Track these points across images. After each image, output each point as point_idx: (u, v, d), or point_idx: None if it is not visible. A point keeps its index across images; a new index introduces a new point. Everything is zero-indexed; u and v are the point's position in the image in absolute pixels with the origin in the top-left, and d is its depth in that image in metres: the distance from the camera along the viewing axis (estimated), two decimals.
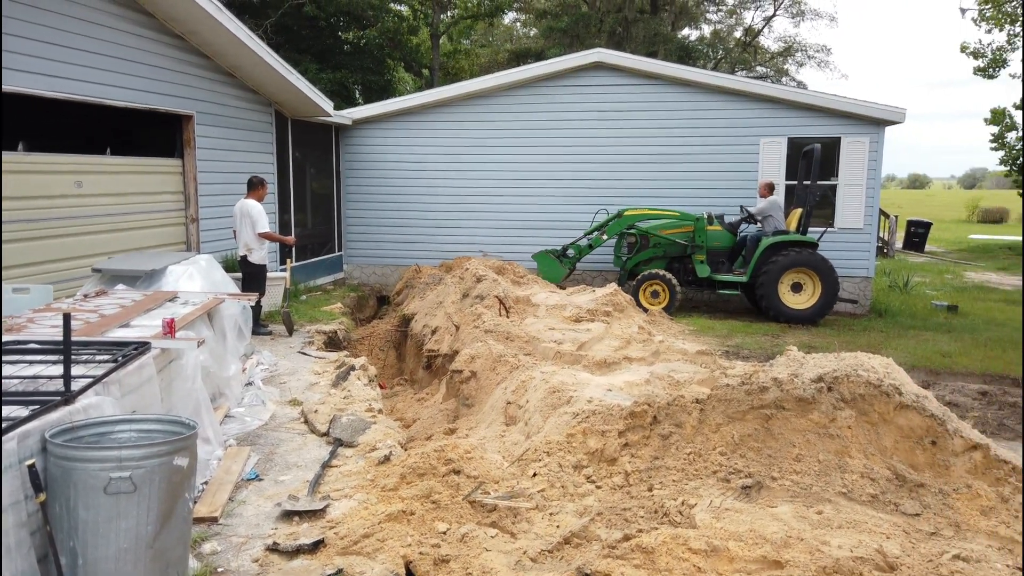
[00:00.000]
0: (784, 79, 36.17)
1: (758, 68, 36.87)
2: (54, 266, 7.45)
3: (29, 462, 3.00)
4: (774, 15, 35.34)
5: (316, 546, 3.81)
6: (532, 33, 37.24)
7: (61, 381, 3.67)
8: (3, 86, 6.71)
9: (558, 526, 4.27)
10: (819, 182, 11.78)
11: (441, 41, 28.65)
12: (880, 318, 12.16)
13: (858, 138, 12.76)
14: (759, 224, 11.87)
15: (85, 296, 5.88)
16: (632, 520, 4.30)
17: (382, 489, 4.49)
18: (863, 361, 4.90)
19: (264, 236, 8.81)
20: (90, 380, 3.71)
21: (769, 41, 38.77)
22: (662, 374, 6.61)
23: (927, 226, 25.48)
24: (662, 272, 11.59)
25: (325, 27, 25.76)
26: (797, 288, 11.46)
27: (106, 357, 4.20)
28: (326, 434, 5.55)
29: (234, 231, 9.00)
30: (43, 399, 3.38)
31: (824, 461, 4.43)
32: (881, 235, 22.37)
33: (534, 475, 4.90)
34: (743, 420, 4.73)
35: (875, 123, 12.69)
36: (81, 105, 7.89)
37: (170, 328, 4.72)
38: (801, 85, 34.23)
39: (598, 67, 13.45)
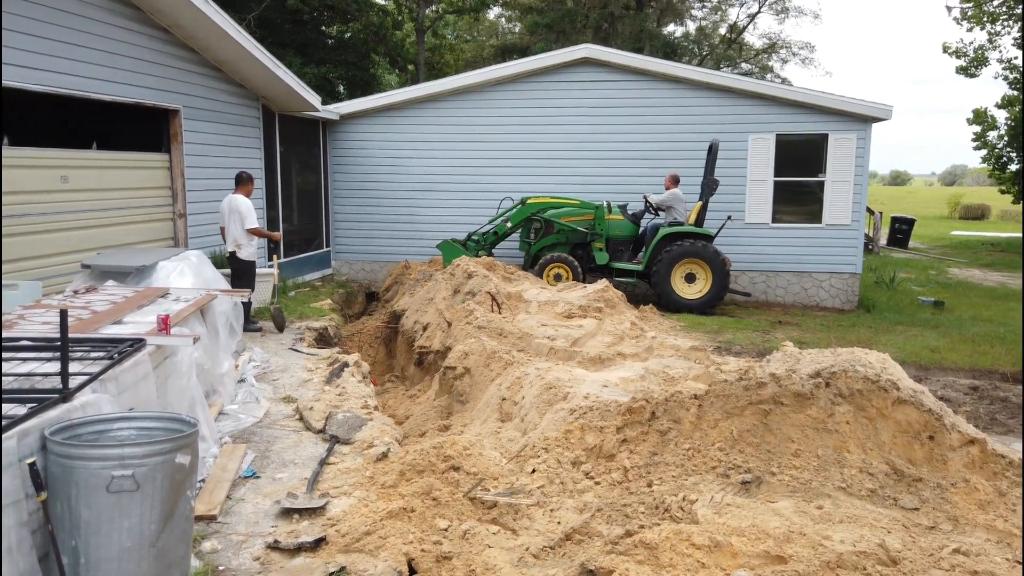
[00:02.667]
0: (768, 76, 36.38)
1: (743, 65, 37.06)
2: (40, 262, 7.33)
3: (29, 460, 2.95)
4: (758, 12, 35.53)
5: (317, 544, 3.78)
6: (517, 29, 37.18)
7: (57, 379, 3.61)
8: None
9: (559, 522, 4.27)
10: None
11: (426, 36, 28.50)
12: (868, 314, 12.27)
13: (845, 135, 12.85)
14: (663, 215, 12.22)
15: (75, 292, 5.79)
16: (633, 516, 4.31)
17: (381, 486, 4.46)
18: (860, 356, 4.93)
19: (253, 232, 8.72)
20: (87, 377, 3.65)
21: (753, 38, 39.01)
22: (656, 370, 6.62)
23: (911, 223, 25.75)
24: (564, 255, 11.96)
25: (308, 21, 25.56)
26: (691, 279, 11.79)
27: (101, 354, 4.13)
28: (322, 431, 5.51)
29: (222, 227, 8.91)
30: (41, 397, 3.32)
31: (823, 456, 4.45)
32: (866, 231, 22.58)
33: (533, 472, 4.90)
34: (741, 416, 4.74)
35: (862, 120, 12.79)
36: (66, 99, 7.77)
37: (165, 325, 4.66)
38: (786, 82, 34.42)
39: (586, 63, 13.44)
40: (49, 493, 3.02)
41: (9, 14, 6.75)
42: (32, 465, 2.95)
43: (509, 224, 12.42)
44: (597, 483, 4.83)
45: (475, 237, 12.59)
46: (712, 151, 11.78)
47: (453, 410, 7.33)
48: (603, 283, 10.03)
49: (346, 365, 6.94)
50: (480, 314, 8.42)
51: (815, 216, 13.13)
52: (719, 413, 4.81)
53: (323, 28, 26.95)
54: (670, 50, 31.84)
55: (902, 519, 4.01)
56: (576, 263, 11.93)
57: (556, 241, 12.30)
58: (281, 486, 4.60)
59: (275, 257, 9.29)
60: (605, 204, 12.29)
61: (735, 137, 13.08)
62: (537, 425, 5.63)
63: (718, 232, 12.14)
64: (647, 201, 12.29)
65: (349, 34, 26.52)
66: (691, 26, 38.00)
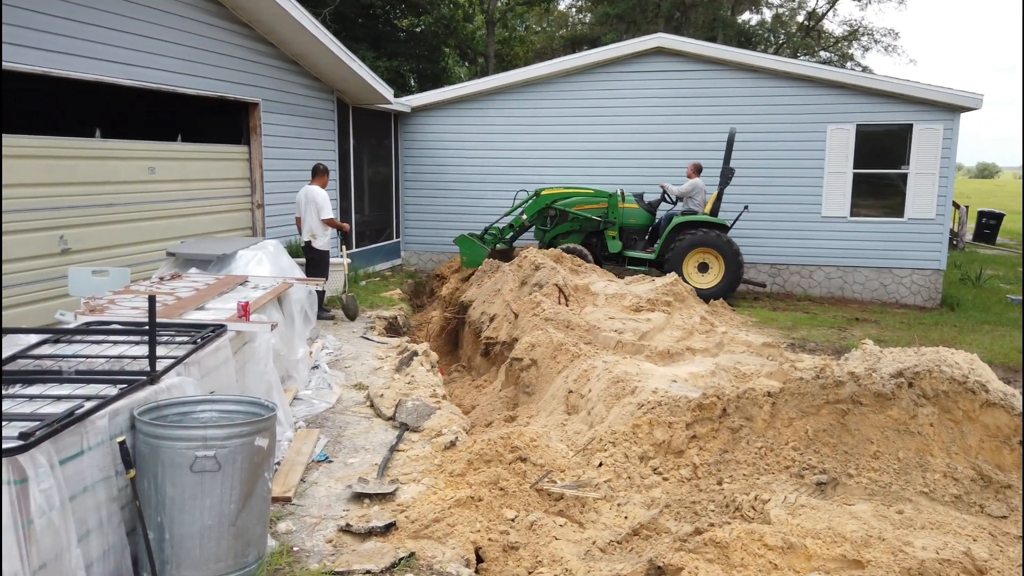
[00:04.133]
0: (849, 64, 35.04)
1: (821, 53, 35.79)
2: (129, 249, 7.68)
3: (120, 439, 3.10)
4: None
5: (388, 529, 3.85)
6: (587, 19, 36.84)
7: (144, 361, 3.78)
8: (83, 75, 6.92)
9: (626, 517, 4.24)
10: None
11: (496, 28, 28.54)
12: (952, 312, 11.72)
13: (931, 125, 12.27)
14: (682, 205, 12.02)
15: (161, 279, 6.04)
16: (702, 513, 4.24)
17: (449, 474, 4.51)
18: (945, 356, 4.72)
19: (327, 223, 8.93)
20: (172, 361, 3.81)
21: (833, 25, 37.60)
22: (728, 366, 6.49)
23: (999, 217, 24.46)
24: (575, 246, 11.84)
25: (381, 15, 25.93)
26: (704, 268, 11.61)
27: (185, 339, 4.30)
28: (392, 418, 5.61)
29: (297, 217, 9.15)
30: (131, 378, 3.48)
31: (904, 459, 4.28)
32: (951, 226, 21.56)
33: (600, 465, 4.87)
34: (817, 415, 4.61)
35: (949, 109, 12.19)
36: (154, 93, 8.10)
37: (244, 311, 4.82)
38: (867, 70, 33.09)
39: (658, 52, 13.22)
40: (137, 471, 3.17)
41: (103, 11, 7.07)
42: (122, 443, 3.09)
43: (525, 216, 12.41)
44: (665, 479, 4.77)
45: (492, 231, 12.58)
46: (730, 139, 11.58)
47: (519, 401, 7.35)
48: (672, 276, 9.88)
49: (415, 354, 7.04)
50: (547, 306, 8.41)
51: (896, 210, 12.60)
52: (794, 411, 4.68)
53: (395, 22, 27.30)
54: (745, 39, 31.03)
55: (989, 527, 3.83)
56: (587, 252, 11.87)
57: (570, 229, 12.30)
58: (353, 471, 4.70)
59: (344, 247, 9.48)
60: (619, 192, 12.23)
61: (813, 128, 12.65)
62: (604, 419, 5.60)
63: (734, 222, 11.97)
64: (664, 190, 12.17)
65: (421, 27, 26.78)
66: (767, 14, 36.93)
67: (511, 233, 12.53)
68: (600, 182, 13.12)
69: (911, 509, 3.94)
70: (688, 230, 11.57)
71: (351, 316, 9.07)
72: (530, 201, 12.43)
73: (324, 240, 8.99)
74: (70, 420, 2.89)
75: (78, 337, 4.24)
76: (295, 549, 3.71)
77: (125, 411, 3.25)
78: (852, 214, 12.71)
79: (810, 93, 12.64)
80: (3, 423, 2.88)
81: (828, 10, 34.89)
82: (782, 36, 34.99)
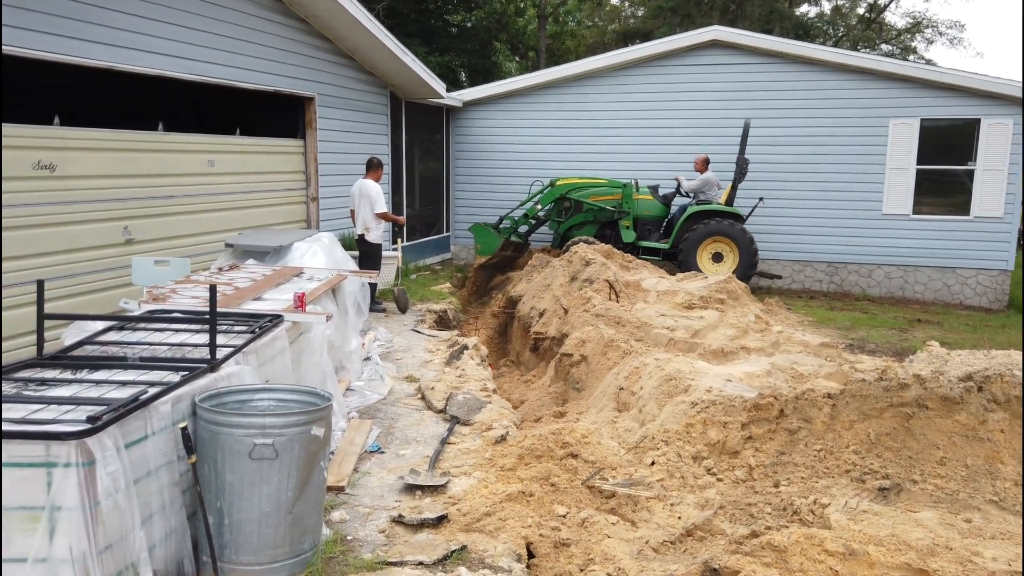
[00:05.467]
0: (911, 57, 33.93)
1: (882, 46, 34.72)
2: (188, 240, 7.87)
3: (182, 425, 3.16)
4: None
5: (439, 521, 3.86)
6: (640, 13, 36.42)
7: (205, 349, 3.86)
8: (147, 69, 7.10)
9: (679, 517, 4.17)
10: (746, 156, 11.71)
11: (547, 22, 28.42)
12: (1019, 314, 11.25)
13: (1000, 120, 11.79)
14: (694, 199, 11.96)
15: (220, 269, 6.17)
16: (758, 516, 4.15)
17: (500, 469, 4.50)
18: (1017, 360, 4.52)
19: (381, 216, 9.01)
20: (231, 349, 3.88)
21: (895, 17, 36.42)
22: (784, 366, 6.34)
23: None
24: (587, 238, 11.78)
25: (433, 10, 26.06)
26: (718, 258, 11.56)
27: (243, 328, 4.38)
28: (442, 411, 5.63)
29: (351, 210, 9.25)
30: (192, 366, 3.55)
31: (972, 466, 4.12)
32: (1020, 226, 20.73)
33: (652, 464, 4.81)
34: (880, 418, 4.46)
35: (1020, 103, 11.68)
36: (214, 87, 8.27)
37: (301, 302, 4.88)
38: (930, 64, 32.00)
39: (714, 45, 12.98)
40: (197, 456, 3.23)
41: (167, 7, 7.25)
42: (184, 429, 3.16)
43: (540, 207, 12.39)
44: (719, 479, 4.68)
45: (506, 220, 12.53)
46: (745, 130, 11.48)
47: (568, 397, 7.31)
48: (726, 274, 9.70)
49: (465, 348, 7.06)
50: (598, 302, 8.35)
51: (962, 207, 12.15)
52: (855, 414, 4.54)
53: (446, 17, 27.42)
54: (802, 31, 30.28)
55: None
56: (599, 244, 11.74)
57: (584, 220, 12.33)
58: (404, 462, 4.73)
59: (399, 240, 9.55)
60: (633, 183, 12.21)
61: (874, 122, 12.27)
62: (656, 417, 5.52)
63: (750, 213, 11.85)
64: (679, 183, 12.11)
65: (472, 22, 26.85)
66: (826, 6, 35.97)
67: (525, 224, 12.51)
68: (653, 176, 12.96)
69: (980, 518, 3.79)
70: (702, 220, 11.54)
71: (402, 309, 9.14)
72: (545, 191, 12.44)
73: (377, 233, 9.07)
74: (135, 405, 2.96)
75: (141, 325, 4.36)
76: (348, 538, 3.74)
77: (187, 398, 3.32)
78: (914, 212, 12.30)
79: (872, 87, 12.26)
80: (71, 407, 2.97)
81: (890, 2, 33.84)
82: (841, 29, 34.05)
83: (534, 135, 14.03)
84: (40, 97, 9.83)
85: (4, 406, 2.97)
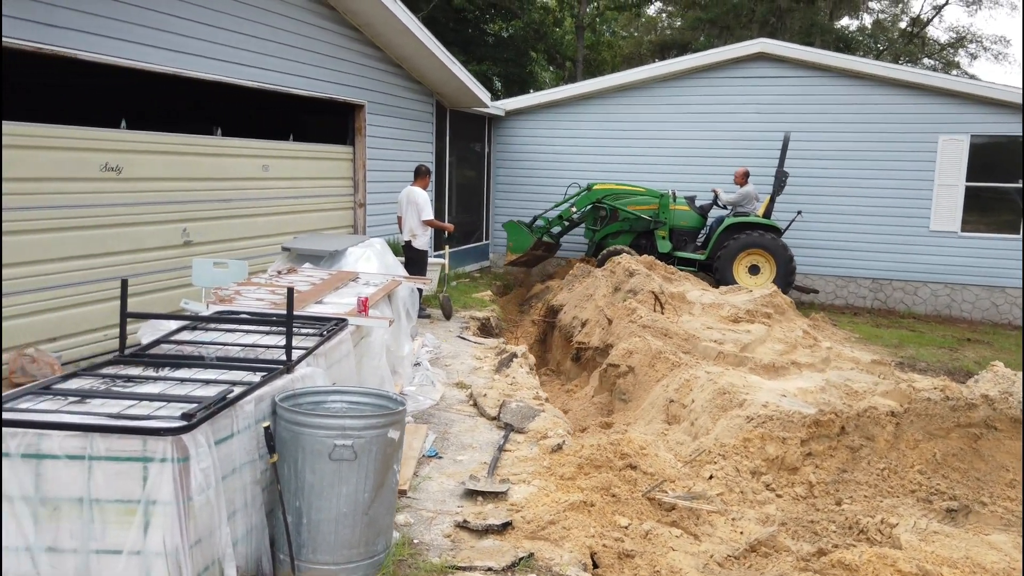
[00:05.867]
0: (954, 72, 33.44)
1: (924, 60, 34.26)
2: (242, 243, 8.01)
3: (265, 424, 3.23)
4: (946, 3, 32.69)
5: (504, 528, 3.89)
6: (677, 24, 36.34)
7: (277, 351, 3.94)
8: (207, 75, 7.27)
9: (741, 532, 4.15)
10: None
11: (584, 32, 28.49)
12: None
13: None
14: (732, 211, 11.90)
15: (278, 272, 6.28)
16: (822, 534, 4.12)
17: (560, 478, 4.52)
18: None
19: (428, 223, 9.09)
20: (303, 352, 3.95)
21: (938, 32, 35.93)
22: (838, 383, 6.28)
23: None
24: (625, 248, 11.76)
25: (471, 19, 26.26)
26: (755, 270, 11.48)
27: (311, 331, 4.46)
28: (495, 418, 5.67)
29: (399, 217, 9.35)
30: (270, 367, 3.63)
31: None
32: None
33: (710, 477, 4.80)
34: (946, 438, 4.41)
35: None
36: (268, 93, 8.43)
37: (364, 307, 4.95)
38: (974, 79, 31.49)
39: (760, 58, 12.93)
40: (277, 455, 3.29)
41: (228, 15, 7.42)
42: (267, 428, 3.23)
43: (574, 209, 12.37)
44: (778, 495, 4.66)
45: (540, 220, 12.54)
46: (784, 144, 11.42)
47: (614, 408, 7.31)
48: (771, 288, 9.63)
49: (514, 356, 7.10)
50: (644, 313, 8.33)
51: (1012, 226, 11.93)
52: (920, 433, 4.49)
53: (483, 27, 27.61)
54: (844, 45, 29.99)
55: None
56: (636, 255, 11.75)
57: (620, 229, 12.29)
58: (462, 468, 4.77)
59: (446, 247, 9.63)
60: (670, 193, 12.17)
61: (923, 138, 12.12)
62: (709, 430, 5.51)
63: (787, 226, 11.77)
64: (716, 195, 12.05)
65: (510, 32, 27.01)
66: (867, 19, 35.61)
67: (559, 226, 12.53)
68: (694, 188, 12.93)
69: None
70: (740, 232, 11.48)
71: (447, 315, 9.21)
72: (581, 194, 12.44)
73: (424, 240, 9.16)
74: (224, 403, 3.03)
75: (212, 325, 4.46)
76: (415, 542, 3.78)
77: (267, 398, 3.39)
78: (963, 229, 12.12)
79: (921, 102, 12.12)
80: (162, 403, 3.05)
81: (934, 16, 33.42)
82: (883, 43, 33.66)
83: (575, 145, 14.07)
84: (102, 100, 10.10)
85: (98, 401, 3.06)
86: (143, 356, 3.78)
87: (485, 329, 9.55)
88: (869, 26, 34.65)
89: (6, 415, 2.80)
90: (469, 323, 9.18)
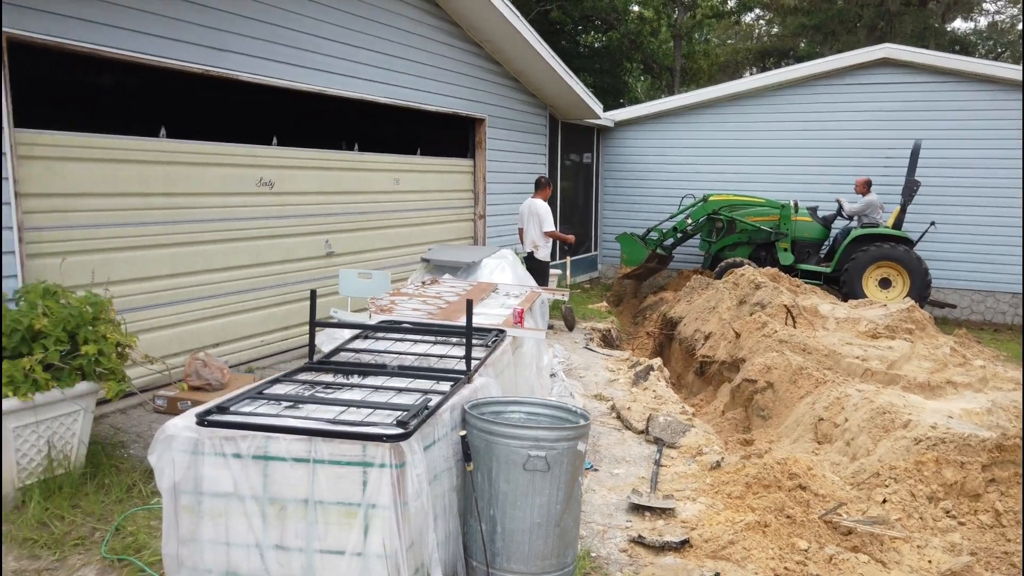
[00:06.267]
0: None
1: None
2: (377, 254, 8.25)
3: (462, 432, 3.28)
4: None
5: (682, 545, 3.82)
6: (775, 31, 35.44)
7: (450, 360, 4.01)
8: (349, 93, 7.53)
9: (930, 561, 3.94)
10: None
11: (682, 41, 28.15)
12: None
13: None
14: (856, 222, 11.36)
15: (423, 283, 6.41)
16: (1020, 566, 3.86)
17: (728, 496, 4.41)
18: None
19: (550, 235, 9.12)
20: (478, 361, 3.99)
21: None
22: (1005, 404, 5.90)
23: None
24: (744, 260, 11.34)
25: (566, 31, 26.35)
26: (886, 284, 10.99)
27: (477, 341, 4.51)
28: (643, 432, 5.60)
29: (520, 229, 9.42)
30: (453, 376, 3.69)
31: None
32: None
33: (883, 501, 4.58)
34: None
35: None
36: (399, 109, 8.66)
37: (520, 318, 4.99)
38: None
39: (884, 63, 12.42)
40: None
41: (370, 36, 7.67)
42: (463, 437, 3.27)
43: (690, 221, 12.09)
44: (961, 523, 4.40)
45: (653, 232, 12.28)
46: (914, 152, 10.88)
47: (752, 424, 7.10)
48: (909, 303, 9.18)
49: (651, 368, 7.01)
50: (777, 327, 8.09)
51: None
52: None
53: (577, 39, 27.65)
54: (959, 48, 28.52)
55: None
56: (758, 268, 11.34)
57: (738, 241, 11.98)
58: (620, 481, 4.72)
59: (568, 258, 9.64)
60: (792, 204, 11.74)
61: None
62: (870, 451, 5.27)
63: (920, 238, 11.21)
64: (840, 205, 11.55)
65: (604, 42, 26.95)
66: (982, 22, 33.81)
67: (672, 237, 12.29)
68: (812, 197, 12.52)
69: None
70: (868, 243, 10.98)
71: (570, 326, 9.20)
72: (697, 205, 12.18)
73: (546, 251, 9.20)
74: (429, 412, 3.09)
75: (380, 334, 4.58)
76: (593, 555, 3.76)
77: (458, 407, 3.44)
78: None
79: None
80: (369, 410, 3.14)
81: None
82: (1001, 46, 31.84)
83: (685, 155, 13.87)
84: (250, 117, 10.62)
85: (310, 407, 3.18)
86: (329, 363, 3.91)
87: (607, 340, 9.49)
88: (984, 28, 32.87)
89: (236, 418, 2.94)
90: (592, 334, 9.13)
